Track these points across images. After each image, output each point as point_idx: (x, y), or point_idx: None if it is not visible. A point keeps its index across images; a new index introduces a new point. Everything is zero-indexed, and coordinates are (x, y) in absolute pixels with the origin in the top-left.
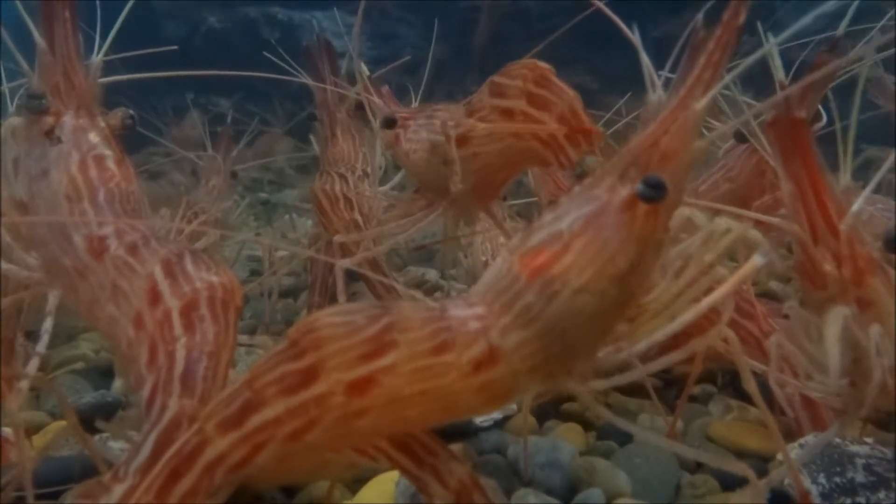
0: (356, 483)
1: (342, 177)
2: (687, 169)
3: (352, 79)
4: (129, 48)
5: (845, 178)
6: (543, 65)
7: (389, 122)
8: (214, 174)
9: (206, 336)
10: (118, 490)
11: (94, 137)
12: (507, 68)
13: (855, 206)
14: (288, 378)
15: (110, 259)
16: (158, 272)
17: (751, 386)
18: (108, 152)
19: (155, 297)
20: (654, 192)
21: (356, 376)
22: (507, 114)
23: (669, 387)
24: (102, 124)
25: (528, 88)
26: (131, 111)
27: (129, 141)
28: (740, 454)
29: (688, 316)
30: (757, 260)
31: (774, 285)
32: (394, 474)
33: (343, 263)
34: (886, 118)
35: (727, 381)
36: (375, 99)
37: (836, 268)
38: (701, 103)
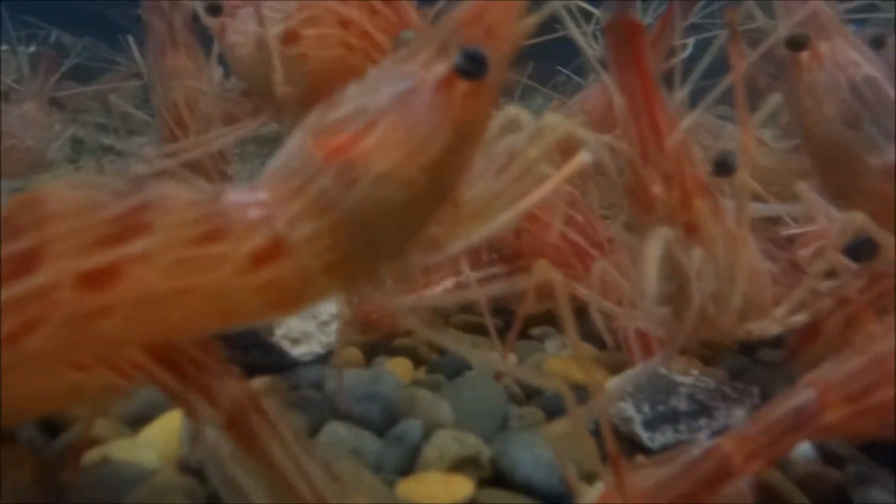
0: (139, 422)
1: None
2: (512, 49)
3: None
4: None
5: (679, 93)
6: None
7: (215, 9)
8: (29, 98)
9: None
10: None
11: None
12: None
13: (685, 122)
14: None
15: None
16: None
17: (564, 307)
18: None
19: None
20: (474, 67)
21: (92, 265)
22: (344, 23)
23: (509, 328)
24: None
25: (373, 5)
26: None
27: None
28: (571, 387)
29: (508, 216)
30: (584, 156)
31: None
32: None
33: (137, 169)
34: None
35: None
36: None
37: (664, 190)
38: None
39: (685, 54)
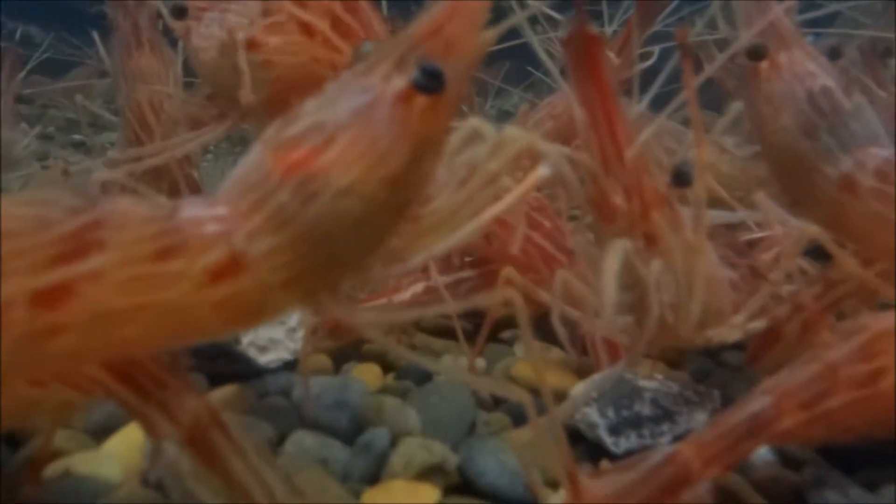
0: (103, 433)
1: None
2: (472, 63)
3: None
4: None
5: (638, 106)
6: None
7: (179, 11)
8: None
9: None
10: None
11: None
12: None
13: (644, 135)
14: None
15: None
16: None
17: (524, 323)
18: None
19: None
20: (432, 82)
21: (45, 283)
22: (307, 29)
23: (479, 330)
24: None
25: (335, 10)
26: None
27: None
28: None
29: (468, 229)
30: (542, 170)
31: None
32: None
33: (100, 175)
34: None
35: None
36: None
37: (625, 201)
38: None
39: (650, 62)
